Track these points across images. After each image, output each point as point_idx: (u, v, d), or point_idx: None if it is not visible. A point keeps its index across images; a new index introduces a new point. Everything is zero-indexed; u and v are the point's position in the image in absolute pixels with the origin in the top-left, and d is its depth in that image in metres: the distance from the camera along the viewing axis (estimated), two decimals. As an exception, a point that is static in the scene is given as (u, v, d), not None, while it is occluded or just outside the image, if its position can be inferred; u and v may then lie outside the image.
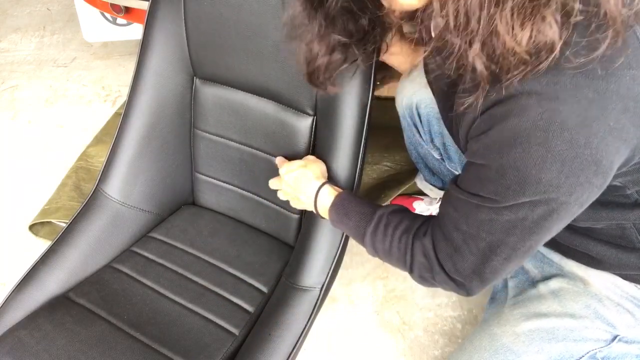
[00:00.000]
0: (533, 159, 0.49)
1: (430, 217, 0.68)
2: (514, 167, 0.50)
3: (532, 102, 0.48)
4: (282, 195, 0.88)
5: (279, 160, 0.90)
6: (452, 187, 0.62)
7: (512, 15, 0.43)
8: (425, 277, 0.67)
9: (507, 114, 0.49)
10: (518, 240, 0.56)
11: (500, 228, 0.56)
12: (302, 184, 0.81)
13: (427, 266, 0.66)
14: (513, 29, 0.43)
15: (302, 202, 0.82)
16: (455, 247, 0.61)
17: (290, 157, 0.90)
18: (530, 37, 0.44)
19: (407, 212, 0.72)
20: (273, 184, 0.91)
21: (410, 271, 0.68)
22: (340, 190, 0.79)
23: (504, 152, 0.51)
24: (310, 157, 0.85)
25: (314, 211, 0.81)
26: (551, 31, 0.43)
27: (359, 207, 0.74)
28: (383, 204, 1.27)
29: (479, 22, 0.44)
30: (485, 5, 0.42)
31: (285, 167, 0.84)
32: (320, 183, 0.80)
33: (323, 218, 0.81)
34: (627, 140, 0.49)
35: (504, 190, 0.53)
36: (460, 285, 0.64)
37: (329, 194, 0.78)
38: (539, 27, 0.43)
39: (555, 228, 0.56)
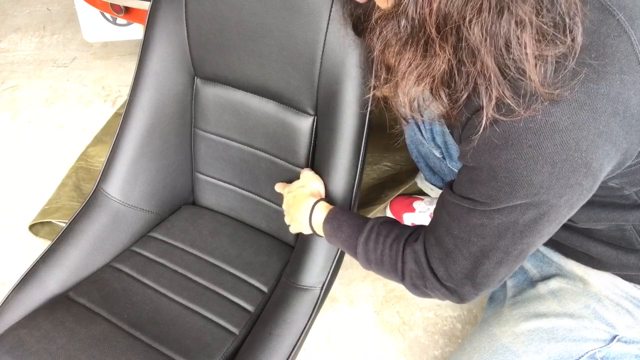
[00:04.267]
0: (524, 160, 0.49)
1: (421, 226, 0.69)
2: (505, 169, 0.51)
3: None
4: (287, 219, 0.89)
5: (278, 186, 0.92)
6: (446, 191, 0.62)
7: None
8: (417, 285, 0.67)
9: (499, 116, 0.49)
10: (510, 244, 0.57)
11: (491, 232, 0.56)
12: (298, 202, 0.82)
13: (418, 273, 0.66)
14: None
15: (298, 221, 0.82)
16: (447, 252, 0.61)
17: (291, 158, 0.90)
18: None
19: (397, 223, 0.73)
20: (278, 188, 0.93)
21: (402, 279, 0.68)
22: (333, 206, 0.80)
23: (495, 154, 0.51)
24: (309, 174, 0.85)
25: (310, 229, 0.81)
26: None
27: (351, 219, 0.75)
28: (383, 204, 1.29)
29: None
30: None
31: (286, 189, 0.87)
32: (316, 200, 0.81)
33: (319, 236, 0.81)
34: (617, 144, 0.50)
35: (495, 192, 0.53)
36: (453, 291, 0.64)
37: (323, 209, 0.79)
38: None
39: (547, 231, 0.56)
